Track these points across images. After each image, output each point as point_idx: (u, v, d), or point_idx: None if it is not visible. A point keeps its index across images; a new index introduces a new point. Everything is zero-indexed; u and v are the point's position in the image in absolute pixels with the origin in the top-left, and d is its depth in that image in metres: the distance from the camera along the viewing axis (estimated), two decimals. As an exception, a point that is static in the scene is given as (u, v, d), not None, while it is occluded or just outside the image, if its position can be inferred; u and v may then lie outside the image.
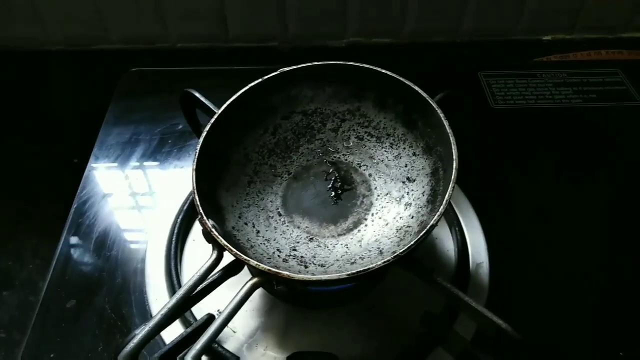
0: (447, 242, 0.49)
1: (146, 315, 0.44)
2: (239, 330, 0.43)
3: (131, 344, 0.33)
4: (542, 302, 0.46)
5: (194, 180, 0.39)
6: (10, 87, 0.68)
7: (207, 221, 0.37)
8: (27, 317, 0.47)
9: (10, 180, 0.60)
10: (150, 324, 0.34)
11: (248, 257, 0.36)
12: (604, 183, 0.56)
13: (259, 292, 0.44)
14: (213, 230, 0.37)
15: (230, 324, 0.35)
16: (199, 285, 0.37)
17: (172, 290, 0.45)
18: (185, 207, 0.50)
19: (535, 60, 0.70)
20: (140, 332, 0.33)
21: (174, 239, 0.48)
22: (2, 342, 0.48)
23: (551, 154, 0.58)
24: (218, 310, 0.42)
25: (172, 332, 0.40)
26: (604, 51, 0.72)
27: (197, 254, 0.48)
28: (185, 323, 0.43)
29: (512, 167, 0.57)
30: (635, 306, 0.46)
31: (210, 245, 0.39)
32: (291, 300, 0.45)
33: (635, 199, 0.54)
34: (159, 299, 0.45)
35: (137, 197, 0.55)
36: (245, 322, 0.43)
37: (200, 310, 0.42)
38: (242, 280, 0.38)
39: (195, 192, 0.39)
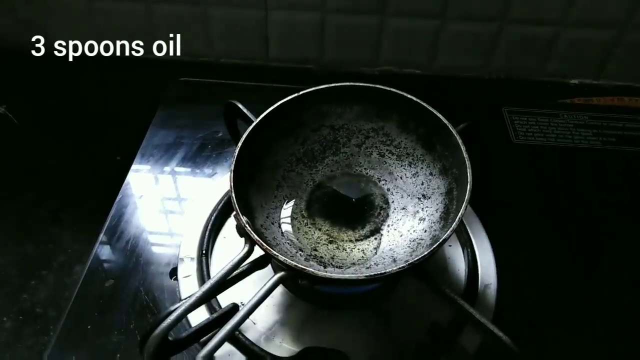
0: (458, 262, 0.51)
1: (175, 300, 0.47)
2: (259, 323, 0.46)
3: (175, 314, 0.36)
4: (544, 326, 0.47)
5: (232, 180, 0.42)
6: (68, 87, 0.73)
7: (241, 217, 0.40)
8: (62, 297, 0.51)
9: (57, 173, 0.63)
10: (191, 300, 0.37)
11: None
12: (614, 222, 0.57)
13: (280, 289, 0.47)
14: (247, 226, 0.40)
15: (251, 316, 0.38)
16: (232, 273, 0.40)
17: (202, 280, 0.48)
18: (219, 207, 0.53)
19: (559, 102, 0.71)
20: (182, 306, 0.37)
21: (206, 234, 0.51)
22: (38, 316, 0.50)
23: (565, 189, 0.59)
24: (241, 302, 0.45)
25: (198, 318, 0.43)
26: (627, 98, 0.73)
27: (226, 251, 0.51)
28: (211, 310, 0.46)
29: (527, 197, 0.58)
30: None
31: (237, 244, 0.42)
32: (310, 300, 0.47)
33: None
34: (189, 287, 0.48)
35: (176, 195, 0.58)
36: (265, 316, 0.46)
37: (223, 303, 0.45)
38: (263, 278, 0.41)
39: (232, 190, 0.42)
